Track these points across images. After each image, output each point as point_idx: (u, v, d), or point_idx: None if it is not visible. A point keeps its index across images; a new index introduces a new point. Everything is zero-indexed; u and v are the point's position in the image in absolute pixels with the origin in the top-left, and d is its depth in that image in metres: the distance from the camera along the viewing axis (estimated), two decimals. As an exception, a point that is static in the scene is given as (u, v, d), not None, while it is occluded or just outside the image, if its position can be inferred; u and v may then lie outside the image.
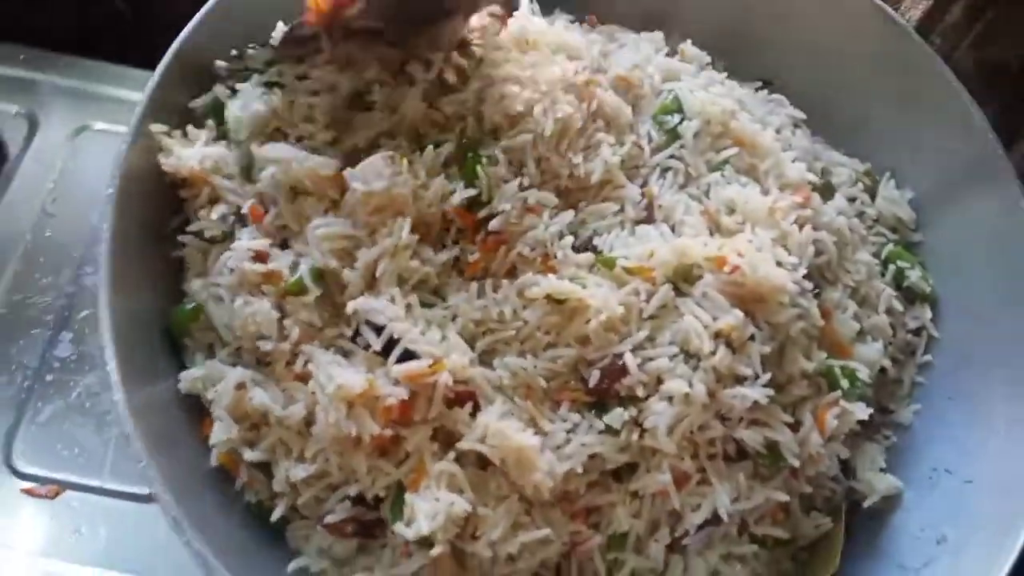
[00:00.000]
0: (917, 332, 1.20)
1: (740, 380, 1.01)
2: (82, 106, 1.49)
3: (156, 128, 1.07)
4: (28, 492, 1.22)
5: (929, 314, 1.20)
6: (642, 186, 1.12)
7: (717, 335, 1.01)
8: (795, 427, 1.04)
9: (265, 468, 1.03)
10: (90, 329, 1.32)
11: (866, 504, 1.11)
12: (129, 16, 1.50)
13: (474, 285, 1.04)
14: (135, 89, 1.46)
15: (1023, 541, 0.96)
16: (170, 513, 0.93)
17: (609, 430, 1.00)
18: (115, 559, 1.19)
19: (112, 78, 1.51)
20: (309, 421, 1.00)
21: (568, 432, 1.00)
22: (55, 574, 1.18)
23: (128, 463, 1.23)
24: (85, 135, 1.48)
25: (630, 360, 1.00)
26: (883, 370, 1.16)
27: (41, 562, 1.18)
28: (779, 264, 1.05)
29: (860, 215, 1.22)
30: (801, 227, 1.09)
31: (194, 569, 1.17)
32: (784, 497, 1.03)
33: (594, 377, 1.01)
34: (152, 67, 1.11)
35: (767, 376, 1.01)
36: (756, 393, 1.00)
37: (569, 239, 1.06)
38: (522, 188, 1.06)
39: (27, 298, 1.34)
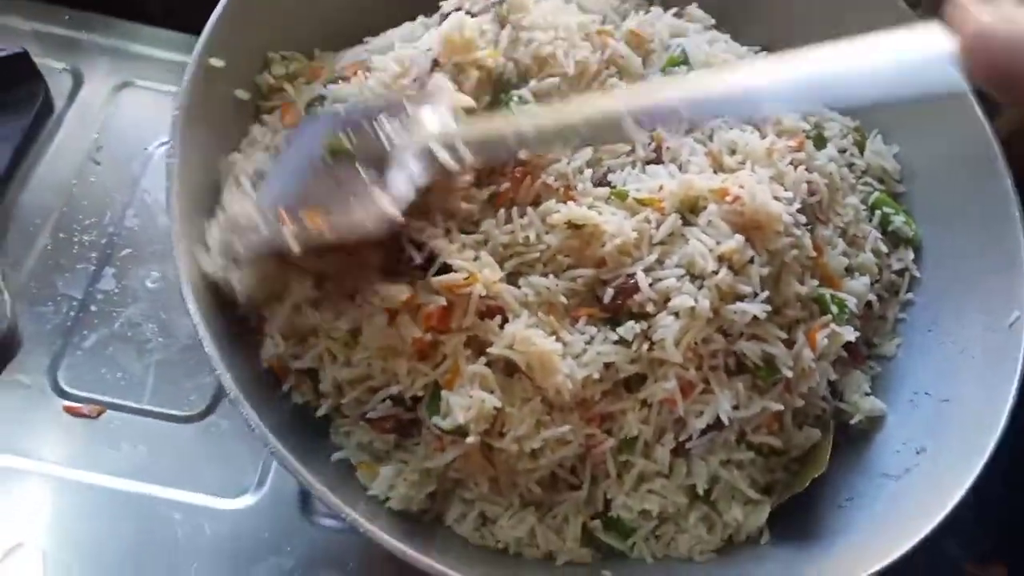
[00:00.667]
0: (900, 273, 1.30)
1: (740, 298, 1.09)
2: (124, 64, 1.58)
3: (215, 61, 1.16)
4: (70, 411, 1.29)
5: (911, 256, 1.30)
6: (651, 131, 1.21)
7: (720, 258, 1.09)
8: (789, 344, 1.13)
9: (312, 375, 1.11)
10: (132, 265, 1.41)
11: (852, 423, 1.21)
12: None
13: (502, 212, 1.12)
14: (175, 51, 1.59)
15: (993, 445, 1.05)
16: (230, 392, 0.99)
17: (622, 341, 1.08)
18: (154, 474, 1.26)
19: (152, 39, 1.60)
20: (355, 333, 1.09)
21: (586, 343, 1.08)
22: (96, 485, 1.25)
23: (168, 386, 1.33)
24: (127, 91, 1.56)
25: (641, 279, 1.08)
26: (869, 305, 1.26)
27: (82, 475, 1.25)
28: (776, 198, 1.14)
29: (850, 166, 1.31)
30: (796, 168, 1.18)
31: (228, 480, 1.27)
32: (779, 407, 1.12)
33: (608, 295, 1.10)
34: (195, 31, 1.17)
35: (765, 294, 1.10)
36: (755, 308, 1.08)
37: (588, 172, 1.15)
38: (549, 126, 1.15)
39: (72, 236, 1.42)
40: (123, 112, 1.54)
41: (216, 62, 1.15)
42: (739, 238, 1.10)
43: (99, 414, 1.30)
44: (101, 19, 1.61)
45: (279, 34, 1.26)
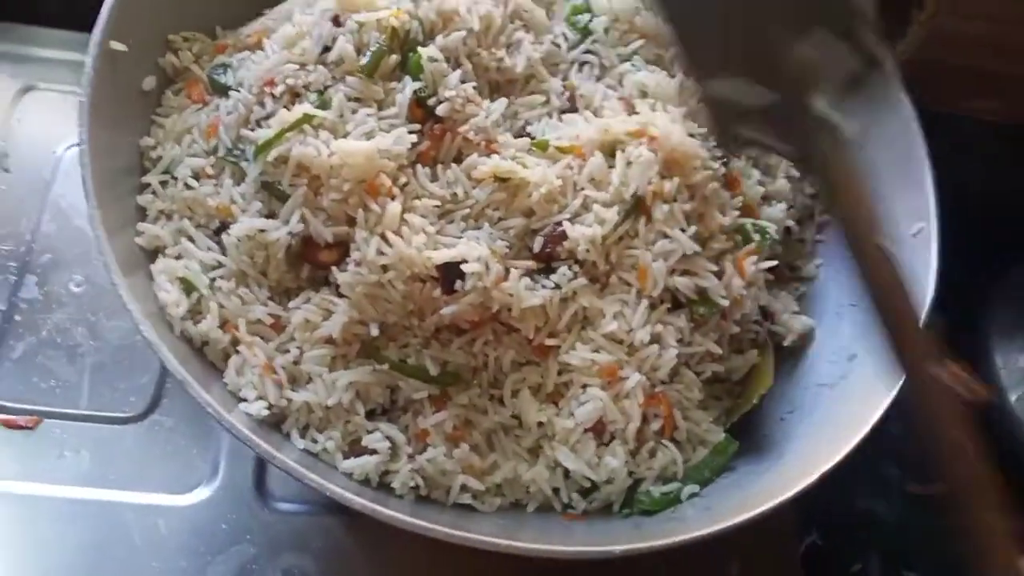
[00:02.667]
0: (813, 196, 1.31)
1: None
2: (24, 69, 1.49)
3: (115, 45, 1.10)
4: (6, 424, 1.22)
5: (821, 179, 1.32)
6: (563, 80, 1.20)
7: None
8: (719, 276, 1.13)
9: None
10: (53, 271, 1.34)
11: (786, 343, 1.22)
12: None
13: (427, 170, 1.10)
14: (76, 51, 1.50)
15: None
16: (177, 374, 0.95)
17: (557, 288, 1.08)
18: (101, 478, 1.20)
19: (52, 41, 1.51)
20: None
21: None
22: (42, 496, 1.18)
23: (104, 389, 1.27)
24: (30, 95, 1.47)
25: (568, 226, 1.08)
26: (788, 231, 1.27)
27: (26, 486, 1.18)
28: (691, 135, 1.14)
29: (755, 99, 1.33)
30: (706, 104, 1.19)
31: (179, 476, 1.22)
32: (718, 350, 1.13)
33: (538, 243, 1.09)
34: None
35: (692, 229, 1.10)
36: (686, 242, 1.09)
37: (508, 125, 1.14)
38: (461, 82, 1.12)
39: (-12, 248, 1.34)
40: (28, 117, 1.46)
41: (117, 46, 1.09)
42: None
43: (36, 424, 1.23)
44: (-6, 24, 1.52)
45: (179, 15, 1.21)
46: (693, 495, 1.09)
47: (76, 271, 1.34)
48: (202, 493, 1.22)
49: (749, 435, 1.15)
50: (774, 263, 1.19)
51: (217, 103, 1.16)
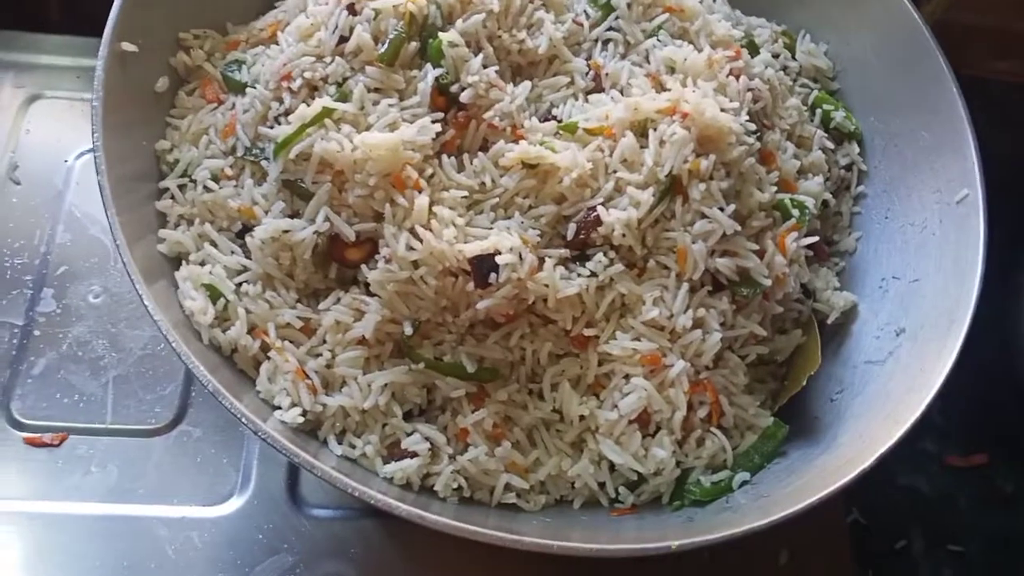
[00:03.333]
0: (848, 167, 1.27)
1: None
2: (30, 78, 1.45)
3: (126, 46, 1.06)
4: (31, 442, 1.18)
5: (856, 149, 1.27)
6: (587, 59, 1.15)
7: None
8: (760, 255, 1.08)
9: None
10: (70, 282, 1.29)
11: (829, 321, 1.17)
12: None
13: (453, 160, 1.05)
14: (83, 55, 1.46)
15: (972, 311, 1.02)
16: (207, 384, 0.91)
17: (593, 275, 1.03)
18: (130, 493, 1.17)
19: (57, 47, 1.47)
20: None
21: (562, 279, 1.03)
22: (71, 515, 1.15)
23: (129, 402, 1.23)
24: (37, 104, 1.43)
25: (602, 210, 1.03)
26: (825, 204, 1.22)
27: (55, 505, 1.15)
28: (723, 110, 1.09)
29: (784, 69, 1.27)
30: (737, 77, 1.13)
31: (211, 487, 1.18)
32: (762, 332, 1.08)
33: (571, 230, 1.04)
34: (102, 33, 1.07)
35: (731, 207, 1.05)
36: (725, 221, 1.04)
37: (533, 109, 1.09)
38: (483, 67, 1.07)
39: (3, 262, 1.30)
40: (36, 127, 1.41)
41: (128, 47, 1.05)
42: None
43: (62, 441, 1.19)
44: None
45: (189, 12, 1.16)
46: (744, 483, 1.05)
47: (94, 282, 1.30)
48: (235, 503, 1.18)
49: (798, 418, 1.11)
50: (815, 239, 1.14)
51: (233, 101, 1.12)
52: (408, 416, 1.05)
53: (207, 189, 1.09)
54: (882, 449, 0.94)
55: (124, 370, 1.25)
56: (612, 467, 1.04)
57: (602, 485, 1.05)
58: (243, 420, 0.90)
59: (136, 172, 1.06)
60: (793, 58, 1.31)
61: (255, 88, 1.09)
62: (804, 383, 1.09)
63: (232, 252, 1.06)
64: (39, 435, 1.19)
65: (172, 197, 1.10)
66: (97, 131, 0.97)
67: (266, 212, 1.05)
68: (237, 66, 1.13)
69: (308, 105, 1.03)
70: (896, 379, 1.06)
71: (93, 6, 1.10)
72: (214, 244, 1.07)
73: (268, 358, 1.02)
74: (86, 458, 1.18)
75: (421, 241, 0.99)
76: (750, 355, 1.10)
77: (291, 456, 0.90)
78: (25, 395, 1.21)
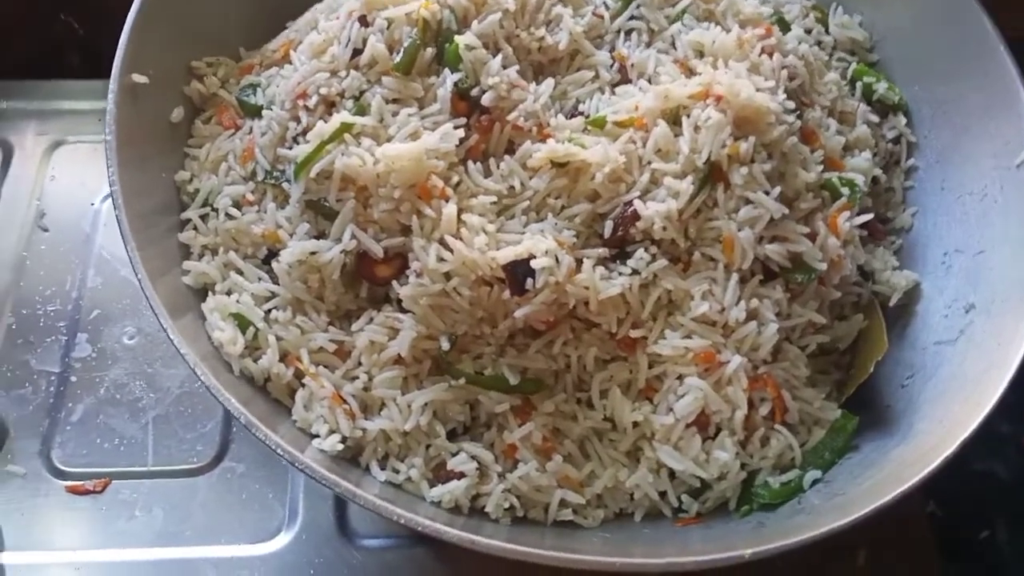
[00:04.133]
0: (896, 141, 1.19)
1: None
2: (52, 124, 1.44)
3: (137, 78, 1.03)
4: (73, 491, 1.15)
5: (904, 120, 1.20)
6: (611, 51, 1.10)
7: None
8: (812, 238, 1.01)
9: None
10: (104, 326, 1.27)
11: (892, 303, 1.09)
12: (79, 28, 1.45)
13: (479, 165, 1.00)
14: (102, 98, 1.43)
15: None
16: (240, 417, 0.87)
17: (635, 273, 0.97)
18: (177, 536, 1.13)
19: (77, 92, 1.47)
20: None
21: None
22: (118, 562, 1.11)
23: (170, 442, 1.20)
24: (61, 150, 1.43)
25: (639, 204, 0.97)
26: (875, 181, 1.15)
27: (101, 554, 1.12)
28: (758, 90, 1.02)
29: (818, 43, 1.21)
30: (770, 55, 1.07)
31: (258, 523, 1.14)
32: (821, 319, 1.02)
33: (608, 228, 0.98)
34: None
35: (777, 190, 0.99)
36: (772, 205, 0.97)
37: (558, 107, 1.04)
38: (503, 67, 1.02)
39: (35, 309, 1.28)
40: (61, 172, 1.41)
41: (139, 79, 1.03)
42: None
43: (104, 487, 1.16)
44: (17, 84, 1.47)
45: (199, 40, 1.14)
46: (816, 481, 0.97)
47: (127, 323, 1.28)
48: (284, 539, 1.14)
49: (868, 408, 1.03)
50: (869, 216, 1.07)
51: (250, 125, 1.09)
52: (452, 435, 0.99)
53: (229, 216, 1.06)
54: (964, 434, 0.87)
55: (163, 410, 1.22)
56: (672, 474, 0.98)
57: (663, 494, 0.98)
58: (279, 452, 0.85)
59: (156, 206, 1.03)
60: (827, 32, 1.24)
61: (271, 110, 1.05)
62: (871, 370, 1.02)
63: (259, 279, 1.03)
64: (81, 483, 1.16)
65: (195, 228, 1.07)
66: (112, 166, 0.95)
67: (291, 235, 1.01)
68: (252, 90, 1.11)
69: (326, 122, 0.99)
70: (971, 358, 0.99)
71: (111, 47, 1.07)
72: (240, 272, 1.03)
73: (303, 385, 0.98)
74: (130, 502, 1.15)
75: (452, 251, 0.94)
76: (810, 345, 1.03)
77: (332, 486, 0.85)
78: (65, 443, 1.18)
